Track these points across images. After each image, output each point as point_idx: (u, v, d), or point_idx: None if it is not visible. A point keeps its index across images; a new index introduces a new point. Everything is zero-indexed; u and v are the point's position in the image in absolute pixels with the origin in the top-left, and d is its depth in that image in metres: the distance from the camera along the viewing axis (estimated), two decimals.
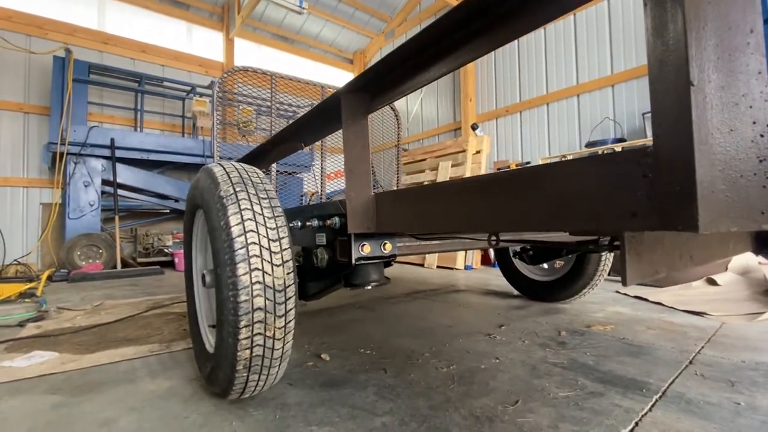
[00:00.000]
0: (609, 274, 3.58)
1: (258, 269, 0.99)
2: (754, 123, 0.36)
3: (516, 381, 1.30)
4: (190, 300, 1.48)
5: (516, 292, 2.83)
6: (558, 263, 2.59)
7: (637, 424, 1.00)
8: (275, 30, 8.12)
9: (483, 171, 4.82)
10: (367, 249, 1.08)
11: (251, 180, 1.14)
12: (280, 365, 1.11)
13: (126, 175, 5.18)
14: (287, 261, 1.05)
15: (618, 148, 4.03)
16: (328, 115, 1.06)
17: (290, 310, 1.05)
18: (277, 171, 4.14)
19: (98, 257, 4.77)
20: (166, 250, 5.35)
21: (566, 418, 1.04)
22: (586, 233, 0.52)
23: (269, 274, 1.01)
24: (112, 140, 4.97)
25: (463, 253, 4.65)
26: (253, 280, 0.98)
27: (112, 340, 1.91)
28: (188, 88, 6.08)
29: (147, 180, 5.37)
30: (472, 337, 1.80)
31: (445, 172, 4.89)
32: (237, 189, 1.08)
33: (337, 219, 1.10)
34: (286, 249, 1.06)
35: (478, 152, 4.83)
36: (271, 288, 1.01)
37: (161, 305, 2.78)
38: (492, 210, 0.63)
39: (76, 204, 4.87)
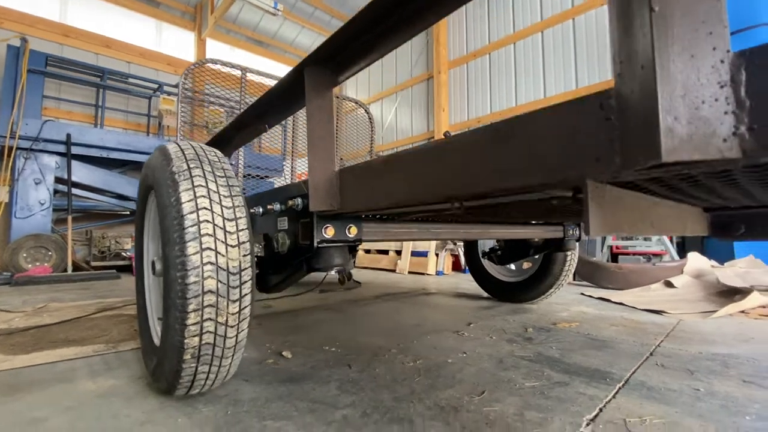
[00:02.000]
0: (574, 279, 3.68)
1: (210, 249, 0.92)
2: (714, 49, 0.35)
3: (483, 373, 1.27)
4: (139, 292, 1.37)
5: (485, 294, 2.84)
6: (525, 264, 2.62)
7: (601, 410, 0.99)
8: (250, 33, 8.02)
9: None
10: (330, 231, 1.03)
11: (208, 158, 1.07)
12: (233, 356, 1.03)
13: (83, 173, 4.88)
14: (244, 242, 0.98)
15: None
16: (292, 90, 1.02)
17: (245, 294, 0.98)
18: (248, 175, 4.02)
19: (47, 260, 4.44)
20: (123, 254, 5.05)
21: (532, 406, 1.02)
22: (550, 186, 0.50)
23: (223, 255, 0.94)
24: (68, 136, 4.69)
25: (434, 258, 4.65)
26: (204, 261, 0.91)
27: (52, 341, 1.74)
28: (155, 86, 5.86)
29: (106, 179, 5.09)
30: (440, 335, 1.76)
31: None
32: (191, 165, 1.01)
33: (299, 199, 1.05)
34: (243, 230, 0.99)
35: None
36: (224, 270, 0.93)
37: (112, 308, 2.59)
38: (456, 171, 0.60)
39: (24, 203, 4.53)
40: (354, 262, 5.56)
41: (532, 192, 0.60)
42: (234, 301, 0.95)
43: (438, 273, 4.63)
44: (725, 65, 0.35)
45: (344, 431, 0.91)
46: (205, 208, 0.95)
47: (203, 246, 0.91)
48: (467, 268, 2.93)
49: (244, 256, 0.98)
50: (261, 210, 1.26)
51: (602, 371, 1.27)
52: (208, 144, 1.55)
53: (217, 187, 1.00)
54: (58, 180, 4.73)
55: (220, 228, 0.95)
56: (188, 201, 0.94)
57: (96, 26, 6.12)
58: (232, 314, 0.96)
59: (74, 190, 4.79)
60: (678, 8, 0.36)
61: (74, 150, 4.74)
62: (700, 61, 0.36)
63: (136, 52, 6.42)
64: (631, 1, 0.38)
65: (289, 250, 1.11)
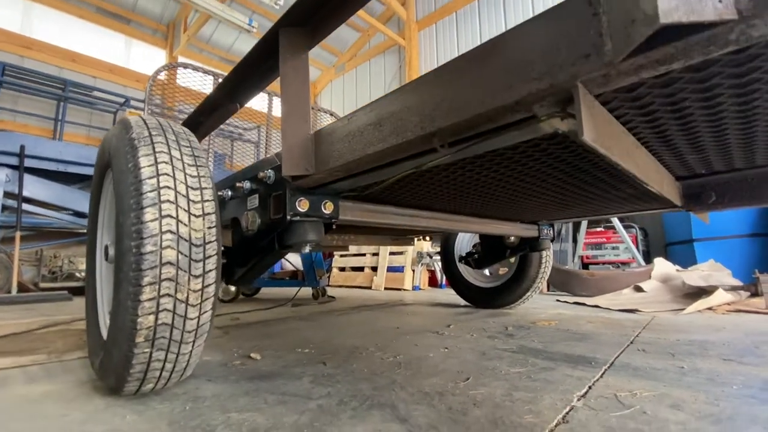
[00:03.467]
0: (548, 288, 3.70)
1: (171, 216, 0.84)
2: None
3: (466, 363, 1.20)
4: (90, 288, 1.23)
5: (464, 303, 2.79)
6: (501, 270, 2.61)
7: (590, 387, 0.95)
8: (223, 54, 8.02)
9: None
10: (305, 205, 0.97)
11: (172, 129, 1.00)
12: (194, 343, 0.92)
13: (36, 188, 4.56)
14: (209, 213, 0.90)
15: None
16: (266, 54, 0.97)
17: (210, 271, 0.89)
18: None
19: None
20: (77, 275, 4.69)
21: (520, 388, 0.96)
22: (539, 99, 0.47)
23: (185, 225, 0.85)
24: (22, 147, 4.40)
25: (410, 273, 4.59)
26: (164, 229, 0.82)
27: None
28: (122, 100, 5.67)
29: (62, 195, 4.77)
30: (420, 335, 1.69)
31: None
32: (153, 133, 0.94)
33: (271, 171, 0.99)
34: (208, 201, 0.92)
35: None
36: (186, 241, 0.85)
37: (60, 323, 2.35)
38: (439, 101, 0.57)
39: None
40: (329, 278, 5.41)
41: (517, 125, 0.57)
42: (196, 277, 0.86)
43: (415, 288, 4.56)
44: None
45: (320, 418, 0.82)
46: (167, 174, 0.87)
47: (163, 213, 0.83)
48: (444, 275, 2.90)
49: (209, 228, 0.89)
50: (230, 193, 1.19)
51: (587, 357, 1.23)
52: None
53: (181, 156, 0.93)
54: (7, 195, 4.39)
55: (183, 196, 0.87)
56: (148, 166, 0.86)
57: (62, 40, 5.93)
58: (194, 291, 0.86)
59: (26, 206, 4.45)
60: None
61: (28, 163, 4.45)
62: None
63: (103, 67, 6.23)
64: None
65: (258, 230, 1.03)
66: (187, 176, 0.90)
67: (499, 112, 0.52)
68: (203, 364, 1.28)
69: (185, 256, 0.84)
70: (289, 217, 0.94)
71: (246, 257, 1.20)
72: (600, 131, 0.48)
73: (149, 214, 0.82)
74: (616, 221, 3.57)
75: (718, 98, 0.55)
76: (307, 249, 1.01)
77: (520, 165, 0.92)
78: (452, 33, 6.71)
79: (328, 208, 1.02)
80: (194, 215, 0.87)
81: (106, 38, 6.46)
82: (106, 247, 1.05)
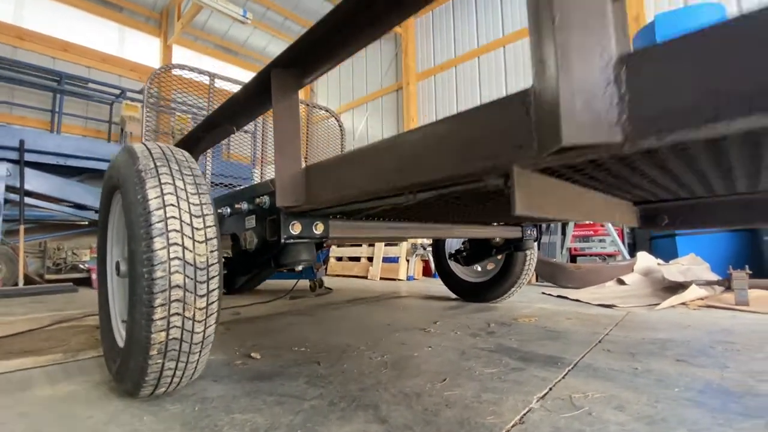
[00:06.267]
0: (537, 280, 3.85)
1: (177, 244, 0.94)
2: (602, 54, 0.44)
3: (446, 363, 1.33)
4: (102, 296, 1.34)
5: (453, 296, 2.93)
6: (489, 266, 2.74)
7: (550, 389, 1.08)
8: (218, 41, 7.94)
9: None
10: (297, 228, 1.07)
11: (175, 157, 1.09)
12: (200, 352, 1.04)
13: (37, 181, 4.63)
14: (211, 239, 1.01)
15: None
16: (258, 92, 1.06)
17: (213, 290, 1.00)
18: (218, 184, 3.98)
19: None
20: (81, 266, 4.81)
21: (489, 389, 1.09)
22: (485, 173, 0.58)
23: (190, 251, 0.96)
24: (22, 142, 4.45)
25: (405, 264, 4.73)
26: (172, 256, 0.93)
27: (4, 353, 1.66)
28: (117, 92, 5.67)
29: (62, 188, 4.84)
30: (408, 332, 1.82)
31: None
32: (158, 164, 1.03)
33: (266, 197, 1.08)
34: (210, 226, 1.02)
35: None
36: (191, 265, 0.96)
37: (70, 319, 2.48)
38: (406, 164, 0.67)
39: None
40: (326, 270, 5.55)
41: (470, 183, 0.67)
42: (201, 296, 0.97)
43: (409, 278, 4.71)
44: (610, 67, 0.44)
45: (312, 419, 0.94)
46: (172, 205, 0.97)
47: (170, 241, 0.93)
48: (435, 270, 3.02)
49: (212, 251, 1.00)
50: (228, 210, 1.29)
51: (555, 357, 1.36)
52: (176, 146, 1.56)
53: (185, 185, 1.02)
54: (9, 188, 4.46)
55: (187, 224, 0.97)
56: (155, 198, 0.96)
57: (54, 30, 5.88)
58: (200, 309, 0.98)
59: (27, 200, 4.53)
60: (575, 21, 0.45)
61: (28, 157, 4.50)
62: (592, 64, 0.44)
63: (97, 57, 6.20)
64: (540, 15, 0.46)
65: (256, 248, 1.14)
66: (191, 204, 1.00)
67: (455, 177, 0.62)
68: (209, 363, 1.40)
69: (191, 279, 0.95)
70: (283, 240, 1.04)
71: (245, 270, 1.30)
72: (533, 201, 0.58)
73: (158, 243, 0.92)
74: None
75: (638, 163, 0.65)
76: (300, 268, 1.12)
77: (481, 196, 1.03)
78: (449, 21, 6.66)
79: (319, 228, 1.12)
80: (198, 241, 0.98)
81: (98, 27, 6.40)
82: (118, 264, 1.15)
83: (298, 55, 0.93)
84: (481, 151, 0.56)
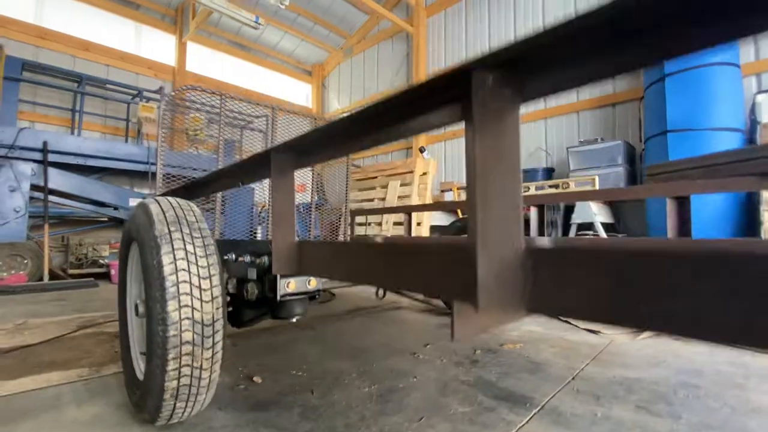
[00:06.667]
0: None
1: (188, 306, 1.09)
2: (513, 244, 0.55)
3: (426, 399, 1.48)
4: (122, 327, 1.51)
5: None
6: None
7: None
8: (232, 37, 8.03)
9: (429, 191, 5.11)
10: (292, 286, 1.21)
11: (186, 219, 1.23)
12: (207, 392, 1.20)
13: (59, 180, 4.88)
14: (216, 297, 1.15)
15: (547, 185, 4.50)
16: (261, 165, 1.19)
17: (218, 342, 1.15)
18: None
19: (23, 268, 4.45)
20: (101, 261, 5.08)
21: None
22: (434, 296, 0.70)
23: (198, 310, 1.11)
24: (45, 144, 4.68)
25: None
26: (183, 317, 1.08)
27: (37, 365, 1.86)
28: (134, 92, 5.86)
29: (83, 186, 5.09)
30: (399, 356, 1.97)
31: (394, 192, 5.12)
32: (171, 229, 1.17)
33: (266, 258, 1.22)
34: (216, 286, 1.16)
35: (425, 174, 5.11)
36: (199, 323, 1.11)
37: (93, 324, 2.70)
38: (378, 270, 0.80)
39: None
40: None
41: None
42: (207, 348, 1.13)
43: None
44: (519, 256, 0.56)
45: None
46: (184, 270, 1.12)
47: (181, 304, 1.08)
48: None
49: (217, 309, 1.15)
50: (234, 257, 1.43)
51: (527, 397, 1.49)
52: (187, 188, 1.70)
53: (194, 248, 1.17)
54: (33, 187, 4.72)
55: (196, 287, 1.12)
56: (169, 264, 1.10)
57: (73, 28, 6.06)
58: (206, 359, 1.13)
59: (50, 197, 4.79)
60: (493, 216, 0.56)
61: (51, 157, 4.74)
62: (506, 252, 0.56)
63: (115, 55, 6.38)
64: (473, 200, 0.58)
65: (256, 299, 1.29)
66: (199, 267, 1.15)
67: (410, 290, 0.75)
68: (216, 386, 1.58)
69: (199, 335, 1.10)
70: (279, 298, 1.19)
71: (249, 308, 1.46)
72: (473, 325, 0.70)
73: (171, 305, 1.07)
74: (598, 226, 3.76)
75: None
76: (295, 320, 1.26)
77: None
78: (461, 21, 6.62)
79: (312, 284, 1.26)
80: (205, 301, 1.13)
81: (116, 25, 6.55)
82: (137, 305, 1.31)
83: (294, 143, 1.05)
84: (432, 282, 0.69)
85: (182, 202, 1.32)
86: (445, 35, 6.85)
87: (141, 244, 1.20)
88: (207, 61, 7.76)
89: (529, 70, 0.55)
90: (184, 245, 1.16)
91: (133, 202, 5.41)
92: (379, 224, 4.94)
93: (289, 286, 1.20)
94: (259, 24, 5.51)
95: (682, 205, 1.95)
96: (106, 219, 5.63)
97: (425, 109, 0.71)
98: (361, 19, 8.36)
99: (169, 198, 1.33)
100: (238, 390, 1.56)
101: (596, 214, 3.89)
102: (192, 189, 1.72)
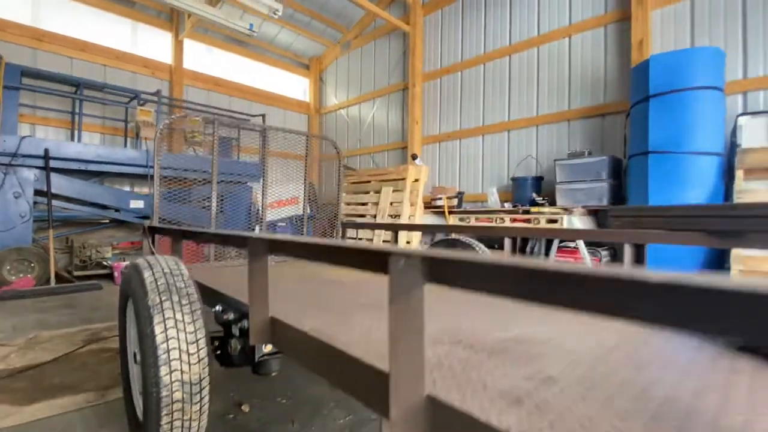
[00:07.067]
0: None
1: (177, 370, 1.27)
2: (412, 395, 0.72)
3: None
4: (124, 369, 1.70)
5: None
6: None
7: None
8: (229, 33, 8.00)
9: (420, 198, 5.24)
10: (269, 348, 1.38)
11: (176, 286, 1.40)
12: None
13: (61, 185, 5.03)
14: (203, 359, 1.33)
15: (537, 197, 4.61)
16: (240, 245, 1.34)
17: (204, 396, 1.34)
18: (226, 181, 4.27)
19: (30, 271, 4.65)
20: (104, 263, 5.29)
21: None
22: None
23: (186, 372, 1.29)
24: (46, 151, 4.81)
25: None
26: (173, 379, 1.26)
27: (49, 389, 2.07)
28: (131, 96, 5.93)
29: (84, 190, 5.25)
30: None
31: (387, 197, 5.25)
32: (162, 299, 1.34)
33: (246, 321, 1.39)
34: (202, 348, 1.34)
35: (416, 180, 5.24)
36: (188, 383, 1.29)
37: (97, 338, 2.91)
38: (331, 368, 0.97)
39: (5, 216, 4.69)
40: None
41: None
42: (195, 403, 1.31)
43: None
44: (421, 403, 0.72)
45: None
46: (173, 338, 1.29)
47: (172, 369, 1.26)
48: None
49: (203, 369, 1.33)
50: (221, 308, 1.60)
51: None
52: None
53: (182, 316, 1.34)
54: (37, 192, 4.88)
55: (185, 352, 1.29)
56: (161, 333, 1.28)
57: (70, 29, 6.07)
58: (195, 412, 1.32)
59: (54, 202, 4.95)
60: (402, 369, 0.72)
61: (53, 163, 4.88)
62: (410, 401, 0.72)
63: (112, 54, 6.41)
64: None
65: (238, 354, 1.46)
66: (187, 333, 1.32)
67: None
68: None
69: (188, 393, 1.29)
70: (257, 358, 1.36)
71: (234, 356, 1.64)
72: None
73: (163, 370, 1.25)
74: (580, 243, 3.91)
75: None
76: (273, 374, 1.44)
77: None
78: (457, 21, 6.59)
79: None
80: (192, 363, 1.30)
81: (112, 24, 6.55)
82: (135, 354, 1.49)
83: (269, 240, 1.21)
84: (370, 393, 0.86)
85: (172, 264, 1.48)
86: (441, 34, 6.83)
87: (136, 306, 1.37)
88: (203, 58, 7.76)
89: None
90: (174, 314, 1.33)
91: (134, 204, 5.57)
92: (371, 239, 5.10)
93: (266, 347, 1.38)
94: (254, 32, 5.53)
95: (639, 249, 2.11)
96: (107, 221, 5.81)
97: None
98: (359, 14, 8.29)
99: (161, 261, 1.50)
100: (228, 420, 1.76)
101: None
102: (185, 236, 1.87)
